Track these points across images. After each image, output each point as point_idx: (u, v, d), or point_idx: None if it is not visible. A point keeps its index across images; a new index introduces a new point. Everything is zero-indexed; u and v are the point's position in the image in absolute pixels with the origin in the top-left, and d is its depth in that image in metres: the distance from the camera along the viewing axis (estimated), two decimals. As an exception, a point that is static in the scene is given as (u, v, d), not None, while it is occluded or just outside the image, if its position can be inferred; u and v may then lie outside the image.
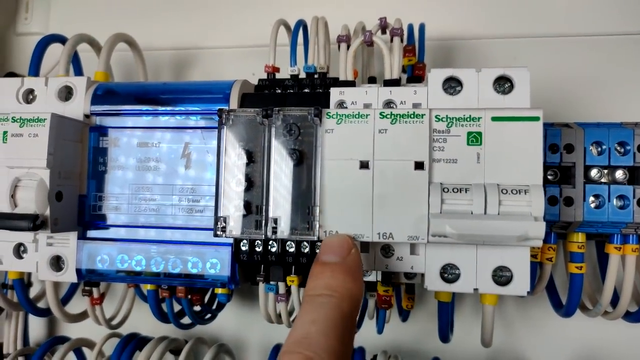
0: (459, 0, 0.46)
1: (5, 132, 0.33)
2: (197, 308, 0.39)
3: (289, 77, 0.37)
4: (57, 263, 0.35)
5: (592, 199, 0.31)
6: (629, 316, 0.35)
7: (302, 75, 0.37)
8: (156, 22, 0.51)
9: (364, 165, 0.29)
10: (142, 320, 0.43)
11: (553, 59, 0.43)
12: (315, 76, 0.37)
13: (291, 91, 0.35)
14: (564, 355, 0.42)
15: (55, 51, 0.41)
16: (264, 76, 0.37)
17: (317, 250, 0.32)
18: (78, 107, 0.35)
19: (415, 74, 0.38)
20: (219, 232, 0.29)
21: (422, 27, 0.40)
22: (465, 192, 0.28)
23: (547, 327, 0.42)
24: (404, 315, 0.39)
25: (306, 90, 0.35)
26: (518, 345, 0.42)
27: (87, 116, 0.35)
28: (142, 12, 0.51)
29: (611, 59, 0.43)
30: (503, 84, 0.30)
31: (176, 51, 0.50)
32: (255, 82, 0.37)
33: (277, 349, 0.40)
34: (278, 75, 0.37)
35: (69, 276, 0.34)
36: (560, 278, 0.39)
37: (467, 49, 0.45)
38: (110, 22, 0.51)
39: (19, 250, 0.35)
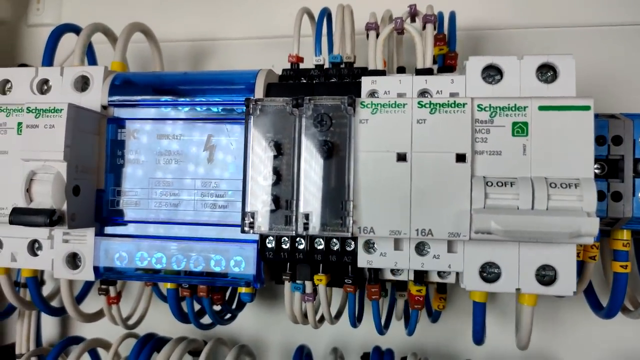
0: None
1: (20, 124, 0.32)
2: (217, 308, 0.37)
3: (313, 67, 0.35)
4: (73, 260, 0.33)
5: (642, 193, 0.29)
6: (674, 318, 0.33)
7: (327, 65, 0.35)
8: (172, 12, 0.49)
9: (402, 157, 0.27)
10: (159, 320, 0.42)
11: (590, 49, 0.41)
12: (342, 66, 0.35)
13: (318, 81, 0.34)
14: (601, 357, 0.40)
15: (68, 43, 0.40)
16: (284, 68, 0.35)
17: (348, 248, 0.30)
18: (95, 98, 0.33)
19: (446, 64, 0.36)
20: (246, 229, 0.28)
21: (452, 15, 0.38)
22: (511, 186, 0.26)
23: (583, 329, 0.40)
24: (435, 317, 0.37)
25: (334, 80, 0.34)
26: (552, 348, 0.41)
27: (104, 107, 0.34)
28: (157, 3, 0.50)
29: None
30: (546, 72, 0.29)
31: (193, 42, 0.49)
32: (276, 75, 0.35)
33: (300, 350, 0.38)
34: (302, 66, 0.36)
35: (86, 274, 0.33)
36: (596, 278, 0.37)
37: (498, 39, 0.43)
38: (125, 13, 0.49)
39: (34, 247, 0.34)
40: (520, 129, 0.26)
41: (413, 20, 0.37)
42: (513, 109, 0.27)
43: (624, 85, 0.40)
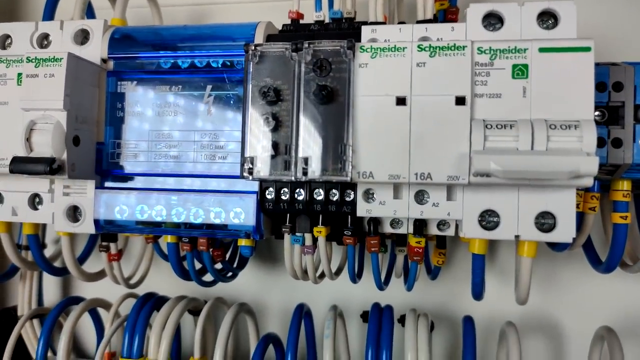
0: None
1: (19, 74, 0.32)
2: (218, 266, 0.37)
3: (313, 22, 0.35)
4: (73, 214, 0.33)
5: (642, 140, 0.29)
6: (673, 272, 0.33)
7: (328, 21, 0.35)
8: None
9: (401, 101, 0.27)
10: (161, 280, 0.42)
11: (592, 3, 0.41)
12: (343, 21, 0.35)
13: (318, 31, 0.34)
14: (600, 313, 0.40)
15: (69, 4, 0.40)
16: (284, 23, 0.35)
17: (347, 199, 0.30)
18: (95, 51, 0.33)
19: (447, 19, 0.36)
20: (245, 174, 0.28)
21: (453, -28, 0.38)
22: (510, 128, 0.26)
23: (582, 286, 0.40)
24: (434, 273, 0.37)
25: (335, 31, 0.34)
26: (552, 304, 0.41)
27: (104, 61, 0.34)
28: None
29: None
30: (547, 19, 0.28)
31: (193, 7, 0.48)
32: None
33: (300, 308, 0.38)
34: (303, 20, 0.36)
35: (86, 227, 0.33)
36: (595, 233, 0.37)
37: None
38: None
39: (34, 202, 0.34)
40: (520, 71, 0.26)
41: (414, -25, 0.37)
42: (513, 51, 0.26)
43: (626, 34, 0.40)
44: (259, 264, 0.45)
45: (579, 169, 0.24)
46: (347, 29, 0.34)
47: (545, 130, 0.25)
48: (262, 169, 0.28)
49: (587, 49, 0.26)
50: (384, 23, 0.32)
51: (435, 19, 0.37)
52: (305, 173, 0.27)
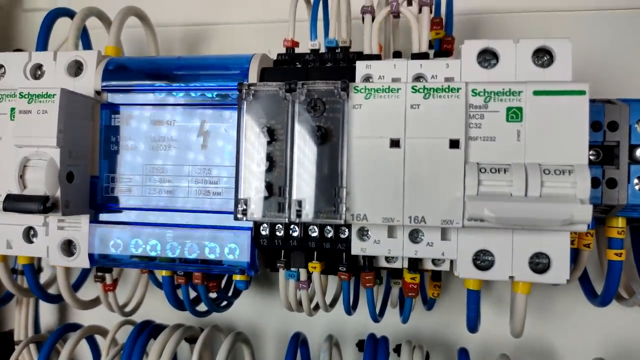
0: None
1: (12, 109, 0.31)
2: (213, 295, 0.37)
3: (309, 51, 0.35)
4: (68, 248, 0.33)
5: (636, 180, 0.29)
6: (669, 305, 0.33)
7: (323, 50, 0.35)
8: (167, -3, 0.48)
9: (395, 143, 0.27)
10: (156, 307, 0.42)
11: (587, 33, 0.41)
12: (337, 51, 0.34)
13: (313, 65, 0.34)
14: (595, 345, 0.40)
15: (63, 28, 0.40)
16: (279, 53, 0.35)
17: (342, 236, 0.30)
18: (89, 83, 0.33)
19: (443, 49, 0.36)
20: (239, 216, 0.28)
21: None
22: (504, 172, 0.26)
23: (577, 316, 0.40)
24: (429, 304, 0.37)
25: (329, 65, 0.33)
26: (547, 334, 0.41)
27: (98, 92, 0.33)
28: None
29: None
30: (542, 56, 0.28)
31: (188, 27, 0.48)
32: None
33: (296, 337, 0.38)
34: (297, 51, 0.35)
35: (81, 261, 0.33)
36: (591, 265, 0.37)
37: (495, 23, 0.43)
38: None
39: (29, 234, 0.34)
40: (514, 114, 0.26)
41: (410, 3, 0.36)
42: (507, 93, 0.26)
43: (622, 70, 0.39)
44: (255, 290, 0.45)
45: (573, 217, 0.24)
46: (342, 60, 0.33)
47: (539, 175, 0.25)
48: (256, 210, 0.28)
49: (582, 93, 0.26)
50: (378, 56, 0.32)
51: (430, 45, 0.37)
52: (299, 215, 0.27)
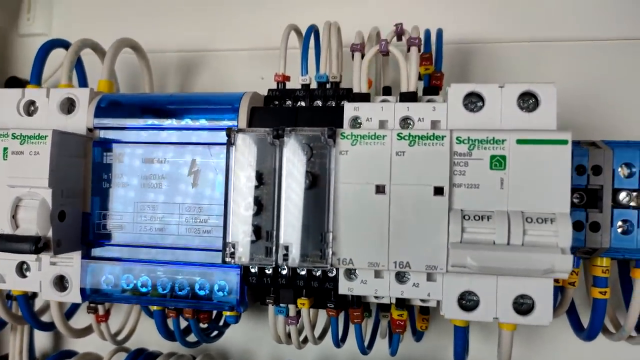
0: (478, 2, 0.44)
1: (5, 149, 0.32)
2: (204, 325, 0.38)
3: (299, 86, 0.35)
4: (61, 282, 0.34)
5: (620, 223, 0.29)
6: (654, 341, 0.34)
7: (314, 84, 0.35)
8: (162, 22, 0.49)
9: (380, 189, 0.27)
10: (149, 334, 0.42)
11: (578, 65, 0.41)
12: (328, 86, 0.35)
13: (302, 104, 0.34)
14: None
15: (58, 53, 0.40)
16: (273, 80, 0.36)
17: (330, 274, 0.31)
18: (81, 121, 0.34)
19: (432, 84, 0.36)
20: (227, 259, 0.28)
21: (439, 33, 0.38)
22: (488, 220, 0.26)
23: (566, 349, 0.41)
24: (418, 336, 0.37)
25: (318, 103, 0.34)
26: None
27: (90, 130, 0.34)
28: (147, 12, 0.49)
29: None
30: (527, 99, 0.29)
31: (183, 53, 0.49)
32: (265, 87, 0.36)
33: (286, 366, 0.39)
34: (290, 83, 0.36)
35: (73, 296, 0.34)
36: (579, 299, 0.38)
37: (487, 53, 0.43)
38: (115, 22, 0.50)
39: (22, 269, 0.34)
40: (498, 162, 0.27)
41: (400, 38, 0.37)
42: (491, 142, 0.27)
43: (612, 103, 0.40)
44: (247, 319, 0.45)
45: (554, 267, 0.25)
46: (332, 96, 0.34)
47: (522, 223, 0.26)
48: (244, 254, 0.28)
49: (564, 142, 0.26)
50: (367, 95, 0.32)
51: (420, 78, 0.37)
52: (285, 259, 0.28)
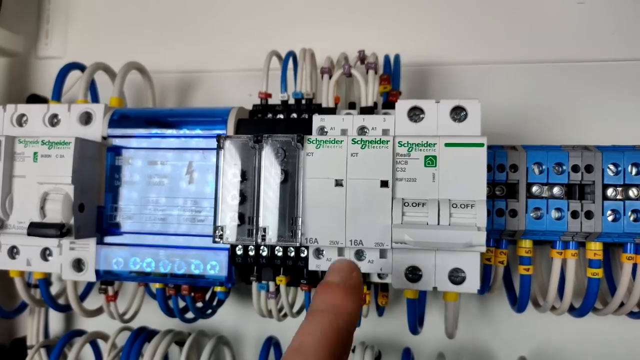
0: (435, 29, 0.51)
1: (35, 153, 0.38)
2: (200, 304, 0.44)
3: (279, 102, 0.42)
4: (78, 265, 0.40)
5: (532, 211, 0.36)
6: (574, 311, 0.40)
7: (292, 100, 0.42)
8: (164, 47, 0.56)
9: (339, 183, 0.34)
10: (151, 315, 0.48)
11: (518, 84, 0.49)
12: (303, 102, 0.42)
13: (281, 116, 0.41)
14: (523, 346, 0.47)
15: (72, 72, 0.47)
16: (260, 95, 0.43)
17: (302, 255, 0.38)
18: (97, 130, 0.41)
19: (389, 100, 0.43)
20: (217, 239, 0.35)
21: (397, 58, 0.45)
22: (422, 206, 0.33)
23: (507, 321, 0.47)
24: (380, 311, 0.44)
25: (294, 115, 0.41)
26: (481, 337, 0.48)
27: (104, 138, 0.41)
28: (151, 37, 0.57)
29: (573, 83, 0.48)
30: (460, 112, 0.35)
31: (182, 74, 0.56)
32: (252, 102, 0.43)
33: (269, 340, 0.45)
34: (271, 99, 0.43)
35: (88, 276, 0.40)
36: (517, 278, 0.44)
37: (441, 74, 0.51)
38: (122, 45, 0.57)
39: (45, 254, 0.41)
40: (430, 161, 0.33)
41: (363, 62, 0.44)
42: (425, 145, 0.34)
43: (548, 116, 0.47)
44: (237, 300, 0.52)
45: (472, 241, 0.31)
46: (306, 110, 0.41)
47: (449, 208, 0.32)
48: (230, 235, 0.35)
49: (481, 145, 0.33)
50: (334, 109, 0.39)
51: (381, 94, 0.45)
52: (264, 239, 0.34)
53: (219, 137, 0.35)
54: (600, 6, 0.49)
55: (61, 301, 0.49)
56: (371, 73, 0.40)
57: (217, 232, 0.35)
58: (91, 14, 0.58)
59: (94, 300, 0.50)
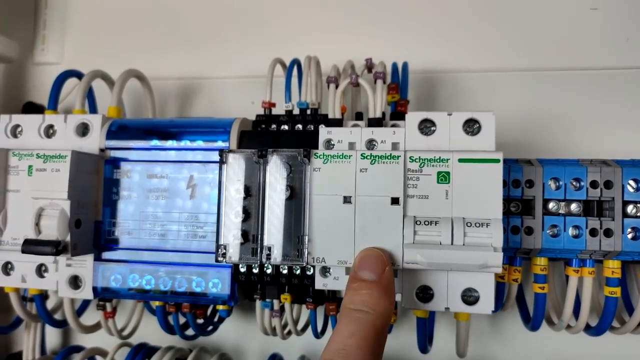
0: (443, 36, 0.50)
1: (30, 167, 0.37)
2: (201, 321, 0.43)
3: (284, 112, 0.41)
4: (75, 282, 0.39)
5: (549, 228, 0.34)
6: (590, 330, 0.39)
7: (297, 110, 0.41)
8: (164, 52, 0.55)
9: (347, 200, 0.33)
10: (151, 331, 0.47)
11: (529, 92, 0.47)
12: (308, 112, 0.41)
13: (285, 127, 0.40)
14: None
15: (70, 79, 0.46)
16: (263, 105, 0.41)
17: (308, 273, 0.36)
18: (94, 142, 0.39)
19: (398, 110, 0.42)
20: (219, 258, 0.33)
21: (405, 66, 0.44)
22: (435, 224, 0.31)
23: (519, 340, 0.46)
24: (389, 328, 0.42)
25: (299, 126, 0.39)
26: (493, 356, 0.46)
27: (102, 150, 0.39)
28: (151, 43, 0.55)
29: (584, 91, 0.47)
30: (473, 125, 0.34)
31: (182, 80, 0.54)
32: (255, 110, 0.41)
33: (273, 357, 0.44)
34: (275, 108, 0.41)
35: (86, 294, 0.39)
36: (531, 295, 0.43)
37: (451, 82, 0.49)
38: (121, 51, 0.55)
39: (41, 270, 0.39)
40: (443, 177, 0.32)
41: (370, 71, 0.43)
42: (438, 160, 0.32)
43: (558, 125, 0.46)
44: (239, 316, 0.50)
45: (487, 262, 0.30)
46: (311, 121, 0.40)
47: (463, 227, 0.31)
48: (234, 254, 0.33)
49: (497, 161, 0.31)
50: (340, 121, 0.38)
51: (388, 104, 0.43)
52: (268, 258, 0.33)
53: (221, 152, 0.34)
54: (613, 12, 0.47)
55: (58, 316, 0.47)
56: (379, 83, 0.39)
57: (219, 250, 0.33)
58: (89, 18, 0.57)
59: (92, 315, 0.48)
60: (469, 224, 0.31)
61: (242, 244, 0.33)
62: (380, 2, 0.51)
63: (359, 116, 0.44)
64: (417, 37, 0.50)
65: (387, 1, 0.51)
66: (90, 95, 0.49)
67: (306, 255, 0.33)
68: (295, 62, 0.43)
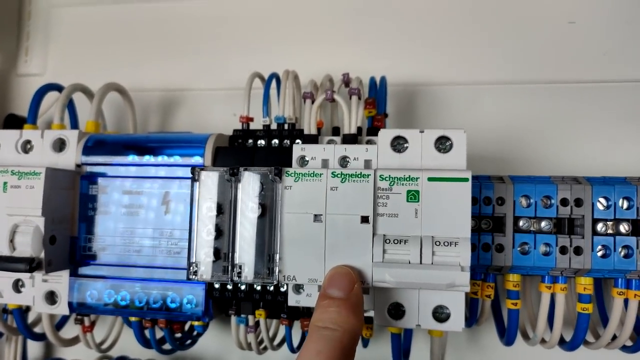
0: (423, 49, 0.50)
1: (5, 183, 0.37)
2: (179, 335, 0.43)
3: (262, 126, 0.41)
4: (51, 297, 0.39)
5: (520, 245, 0.35)
6: (565, 344, 0.39)
7: (274, 124, 0.41)
8: (146, 64, 0.55)
9: (318, 218, 0.33)
10: (130, 343, 0.47)
11: (509, 105, 0.47)
12: (285, 126, 0.41)
13: (262, 142, 0.40)
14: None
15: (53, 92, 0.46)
16: (241, 120, 0.41)
17: (282, 289, 0.36)
18: (70, 158, 0.39)
19: (374, 125, 0.42)
20: (191, 276, 0.33)
21: (382, 80, 0.44)
22: (405, 243, 0.32)
23: (496, 353, 0.46)
24: (364, 342, 0.43)
25: (275, 141, 0.40)
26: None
27: (78, 165, 0.39)
28: (133, 54, 0.55)
29: (562, 104, 0.47)
30: (445, 142, 0.34)
31: (165, 92, 0.54)
32: (237, 122, 0.41)
33: (251, 371, 0.44)
34: (254, 123, 0.41)
35: (62, 309, 0.39)
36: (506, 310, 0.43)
37: (429, 94, 0.49)
38: (103, 62, 0.56)
39: (18, 285, 0.39)
40: (413, 196, 0.32)
41: (347, 86, 0.43)
42: (408, 179, 0.32)
43: (537, 137, 0.46)
44: (219, 327, 0.50)
45: (455, 282, 0.30)
46: (287, 136, 0.40)
47: (431, 246, 0.31)
48: (205, 272, 0.33)
49: (466, 180, 0.32)
50: (316, 137, 0.38)
51: (366, 118, 0.43)
52: (239, 276, 0.33)
53: (193, 169, 0.34)
54: (591, 27, 0.47)
55: (39, 329, 0.47)
56: (354, 99, 0.39)
57: (191, 268, 0.34)
58: (72, 30, 0.57)
59: (73, 327, 0.48)
60: (437, 243, 0.31)
61: (214, 261, 0.34)
62: (361, 15, 0.52)
63: (335, 131, 0.44)
64: (397, 50, 0.50)
65: (368, 15, 0.51)
66: (71, 108, 0.49)
67: (277, 274, 0.33)
68: (274, 76, 0.43)
